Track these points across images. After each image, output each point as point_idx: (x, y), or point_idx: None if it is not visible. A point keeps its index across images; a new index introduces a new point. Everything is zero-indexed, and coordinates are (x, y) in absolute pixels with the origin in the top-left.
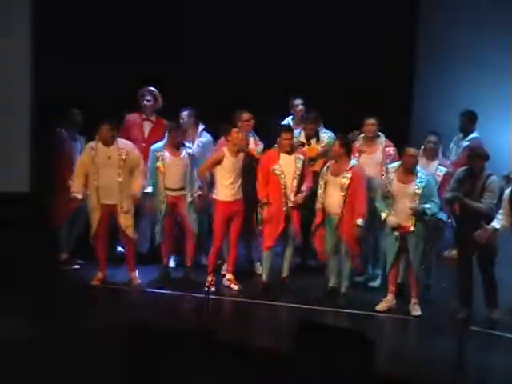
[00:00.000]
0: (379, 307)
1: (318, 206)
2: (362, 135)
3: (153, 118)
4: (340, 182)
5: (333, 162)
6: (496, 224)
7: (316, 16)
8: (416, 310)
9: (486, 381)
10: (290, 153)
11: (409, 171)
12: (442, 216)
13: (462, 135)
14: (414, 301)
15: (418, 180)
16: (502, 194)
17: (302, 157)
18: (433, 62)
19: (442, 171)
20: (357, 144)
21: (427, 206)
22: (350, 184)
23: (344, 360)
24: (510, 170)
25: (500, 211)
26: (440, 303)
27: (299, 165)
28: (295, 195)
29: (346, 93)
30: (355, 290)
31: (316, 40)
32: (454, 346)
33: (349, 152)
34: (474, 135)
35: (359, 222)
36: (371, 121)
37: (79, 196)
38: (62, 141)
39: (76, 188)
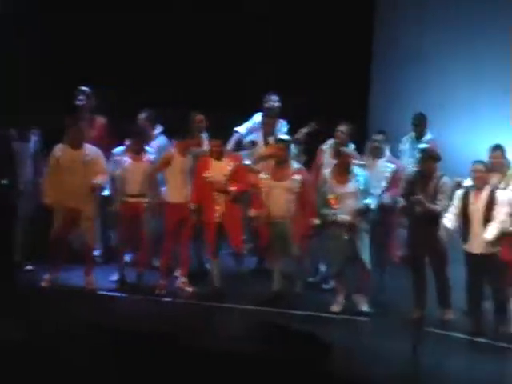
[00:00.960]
0: (333, 308)
1: (257, 211)
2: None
3: (88, 118)
4: (287, 186)
5: (272, 166)
6: (448, 223)
7: (267, 18)
8: (364, 306)
9: (440, 381)
10: (219, 159)
11: (345, 171)
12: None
13: (414, 136)
14: (360, 297)
15: (355, 178)
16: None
17: (232, 163)
18: (388, 64)
19: (389, 169)
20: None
21: (368, 201)
22: (300, 187)
23: (298, 361)
24: (464, 178)
25: (451, 211)
26: (393, 304)
27: (227, 172)
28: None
29: (303, 95)
30: (310, 290)
31: (269, 41)
32: (407, 347)
33: (287, 153)
34: (428, 137)
35: (315, 221)
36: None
37: (49, 201)
38: (7, 140)
39: (46, 193)
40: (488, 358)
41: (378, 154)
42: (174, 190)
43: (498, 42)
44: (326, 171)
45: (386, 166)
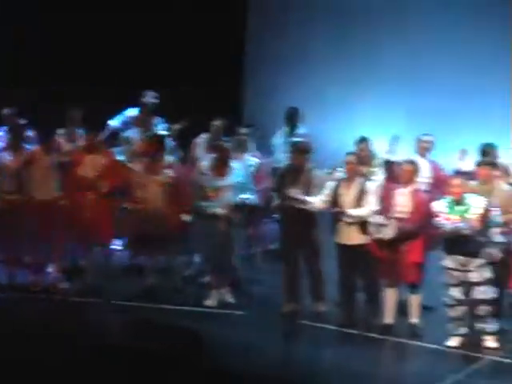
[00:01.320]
0: (208, 302)
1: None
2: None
3: None
4: (161, 180)
5: (146, 161)
6: (315, 200)
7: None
8: (229, 297)
9: (312, 373)
10: (93, 153)
11: (223, 165)
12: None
13: (287, 130)
14: (226, 289)
15: (233, 172)
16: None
17: (105, 158)
18: (262, 61)
19: (253, 163)
20: None
21: (246, 196)
22: (173, 181)
23: (172, 355)
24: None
25: (323, 193)
26: (268, 297)
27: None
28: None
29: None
30: (186, 284)
31: (145, 39)
32: (281, 340)
33: (162, 148)
34: (301, 131)
35: (187, 217)
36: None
37: None
38: None
39: None
40: (360, 349)
41: (242, 148)
42: (40, 187)
43: (366, 40)
44: (203, 164)
45: (249, 160)
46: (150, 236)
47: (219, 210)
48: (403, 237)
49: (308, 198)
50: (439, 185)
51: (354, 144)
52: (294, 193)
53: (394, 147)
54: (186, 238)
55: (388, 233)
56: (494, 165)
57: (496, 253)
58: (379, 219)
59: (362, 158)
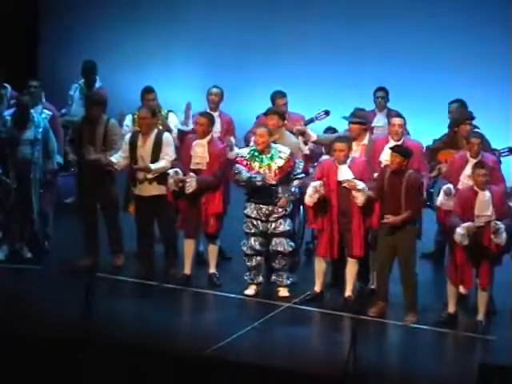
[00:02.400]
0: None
1: None
2: None
3: None
4: None
5: None
6: (112, 158)
7: None
8: (26, 252)
9: (115, 325)
10: None
11: (24, 118)
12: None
13: (83, 83)
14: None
15: (34, 126)
16: None
17: None
18: (59, 13)
19: (45, 115)
20: None
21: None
22: None
23: None
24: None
25: (119, 152)
26: (63, 252)
27: None
28: None
29: None
30: None
31: None
32: (81, 294)
33: None
34: (98, 84)
35: None
36: None
37: None
38: None
39: None
40: (159, 301)
41: (34, 100)
42: None
43: None
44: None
45: (44, 112)
46: None
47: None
48: (202, 188)
49: (111, 159)
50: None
51: (140, 95)
52: (93, 155)
53: (188, 117)
54: None
55: (191, 185)
56: (280, 114)
57: (284, 200)
58: (177, 173)
59: (152, 109)
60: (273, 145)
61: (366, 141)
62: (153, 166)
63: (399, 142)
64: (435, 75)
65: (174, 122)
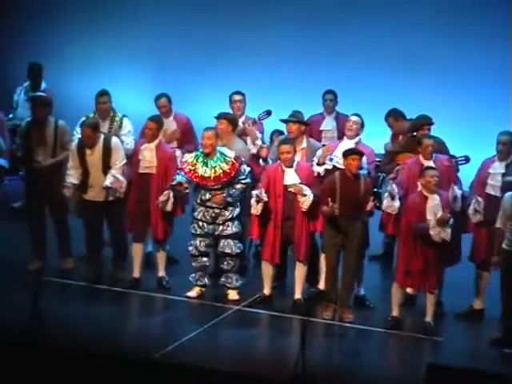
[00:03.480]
0: None
1: None
2: None
3: None
4: None
5: None
6: (70, 179)
7: None
8: None
9: (66, 330)
10: None
11: None
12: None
13: (29, 86)
14: None
15: None
16: None
17: None
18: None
19: None
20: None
21: None
22: None
23: None
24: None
25: (70, 163)
26: (13, 255)
27: None
28: None
29: None
30: None
31: None
32: (28, 298)
33: None
34: (43, 86)
35: None
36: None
37: None
38: None
39: None
40: (107, 304)
41: None
42: None
43: None
44: None
45: None
46: None
47: None
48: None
49: (71, 181)
50: (189, 138)
51: (95, 98)
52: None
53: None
54: None
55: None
56: (230, 119)
57: (218, 197)
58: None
59: (102, 112)
60: (218, 148)
61: (304, 144)
62: (108, 183)
63: (353, 140)
64: (382, 78)
65: (128, 127)
